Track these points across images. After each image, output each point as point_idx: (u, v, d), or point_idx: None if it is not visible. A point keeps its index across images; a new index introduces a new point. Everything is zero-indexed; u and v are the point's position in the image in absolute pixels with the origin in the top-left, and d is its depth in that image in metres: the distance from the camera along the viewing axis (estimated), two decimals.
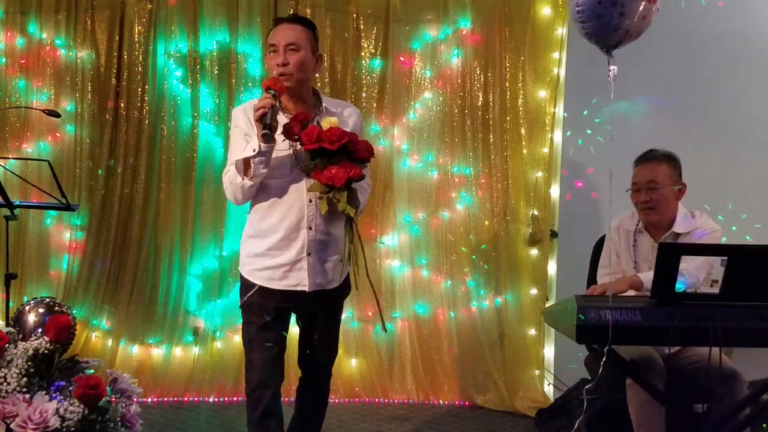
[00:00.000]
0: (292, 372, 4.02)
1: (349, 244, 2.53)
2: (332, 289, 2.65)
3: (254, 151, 2.44)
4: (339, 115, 2.64)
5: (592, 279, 3.40)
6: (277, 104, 2.47)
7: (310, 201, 2.54)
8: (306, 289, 2.59)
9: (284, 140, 2.52)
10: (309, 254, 2.57)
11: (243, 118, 2.57)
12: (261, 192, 2.58)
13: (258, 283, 2.61)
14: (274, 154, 2.50)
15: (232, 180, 2.53)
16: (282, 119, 2.54)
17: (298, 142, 2.49)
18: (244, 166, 2.50)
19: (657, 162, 3.07)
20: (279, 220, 2.56)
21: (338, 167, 2.44)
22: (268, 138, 2.41)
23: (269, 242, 2.58)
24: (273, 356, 2.61)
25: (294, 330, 2.78)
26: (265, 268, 2.60)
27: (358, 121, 2.72)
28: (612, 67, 2.50)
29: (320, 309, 2.69)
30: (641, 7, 2.39)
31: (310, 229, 2.55)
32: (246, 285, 2.65)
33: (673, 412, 2.76)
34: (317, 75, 2.70)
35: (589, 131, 3.65)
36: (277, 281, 2.59)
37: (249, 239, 2.66)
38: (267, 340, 2.60)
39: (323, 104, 2.65)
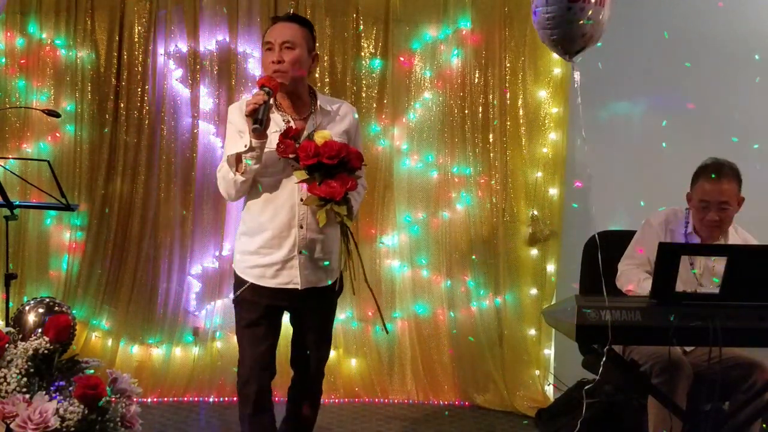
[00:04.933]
0: (286, 373, 4.05)
1: (346, 253, 2.55)
2: (325, 286, 2.66)
3: (246, 146, 2.46)
4: (334, 113, 2.65)
5: (587, 280, 3.40)
6: (270, 102, 2.46)
7: (302, 199, 2.55)
8: (298, 287, 2.59)
9: (275, 130, 2.52)
10: (300, 252, 2.57)
11: (238, 114, 2.57)
12: (254, 189, 2.60)
13: (250, 280, 2.63)
14: (266, 151, 2.51)
15: (225, 175, 2.56)
16: (277, 118, 2.56)
17: (295, 160, 2.48)
18: (237, 161, 2.52)
19: (728, 181, 2.95)
20: (270, 218, 2.58)
21: (336, 181, 2.46)
22: (258, 132, 2.42)
23: (260, 240, 2.59)
24: (262, 353, 2.62)
25: (288, 330, 2.79)
26: (256, 266, 2.61)
27: (355, 121, 2.71)
28: (576, 74, 2.51)
29: (313, 307, 2.69)
30: (603, 12, 2.41)
31: (302, 227, 2.56)
32: (239, 281, 2.67)
33: (696, 411, 2.75)
34: (312, 74, 2.69)
35: (588, 131, 3.62)
36: (269, 279, 2.60)
37: (241, 236, 2.68)
38: (257, 336, 2.62)
39: (318, 103, 2.64)
